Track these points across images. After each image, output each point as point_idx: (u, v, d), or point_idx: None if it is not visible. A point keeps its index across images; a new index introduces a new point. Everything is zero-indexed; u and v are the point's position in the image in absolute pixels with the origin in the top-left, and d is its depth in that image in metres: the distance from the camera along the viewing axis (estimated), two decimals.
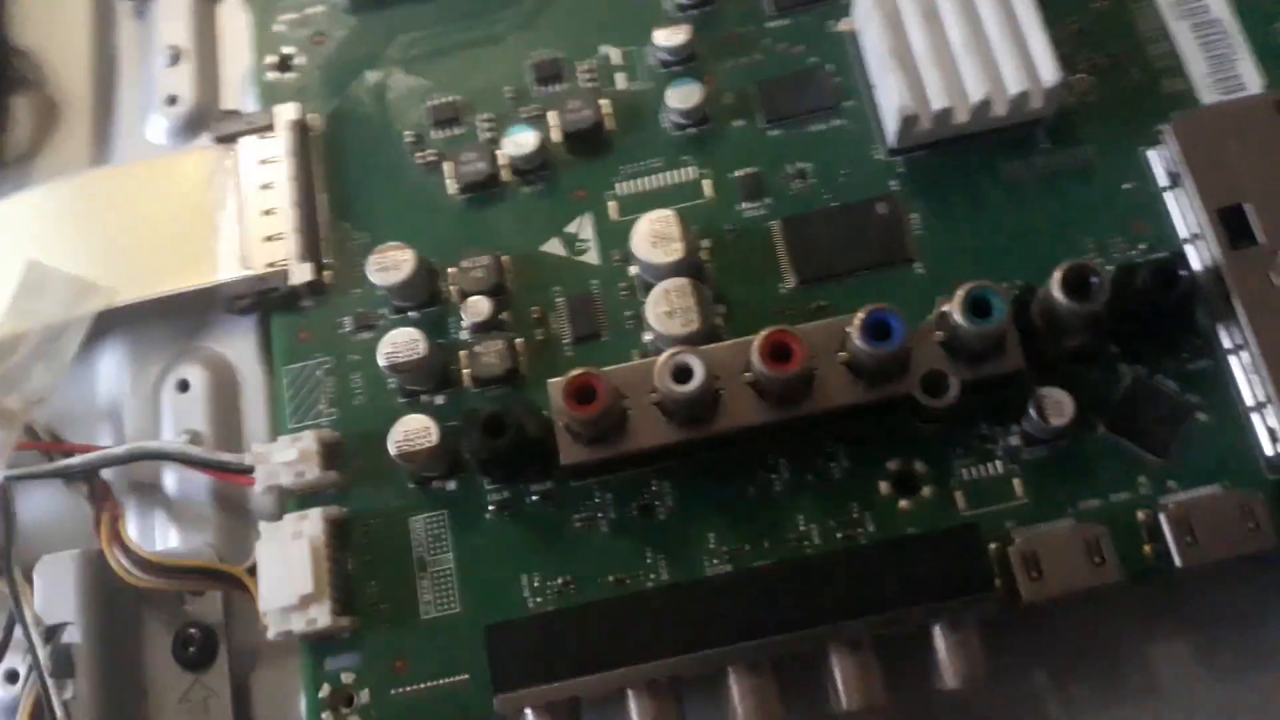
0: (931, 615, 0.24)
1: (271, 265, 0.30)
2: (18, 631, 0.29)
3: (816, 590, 0.25)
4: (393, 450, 0.27)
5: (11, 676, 0.30)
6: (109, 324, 0.31)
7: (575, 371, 0.26)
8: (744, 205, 0.30)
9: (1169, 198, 0.29)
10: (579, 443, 0.27)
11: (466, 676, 0.27)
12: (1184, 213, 0.28)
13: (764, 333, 0.25)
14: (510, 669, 0.25)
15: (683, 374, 0.25)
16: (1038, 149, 0.30)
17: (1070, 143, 0.30)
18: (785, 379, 0.25)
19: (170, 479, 0.30)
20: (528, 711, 0.25)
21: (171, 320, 0.32)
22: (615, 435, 0.27)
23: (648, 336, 0.29)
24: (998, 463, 0.27)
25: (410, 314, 0.30)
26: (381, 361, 0.28)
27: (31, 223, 0.33)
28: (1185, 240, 0.28)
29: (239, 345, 0.32)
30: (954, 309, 0.25)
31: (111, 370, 0.32)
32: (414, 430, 0.27)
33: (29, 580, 0.28)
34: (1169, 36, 0.30)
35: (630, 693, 0.25)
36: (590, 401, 0.25)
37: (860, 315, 0.25)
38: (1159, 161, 0.29)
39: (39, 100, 0.36)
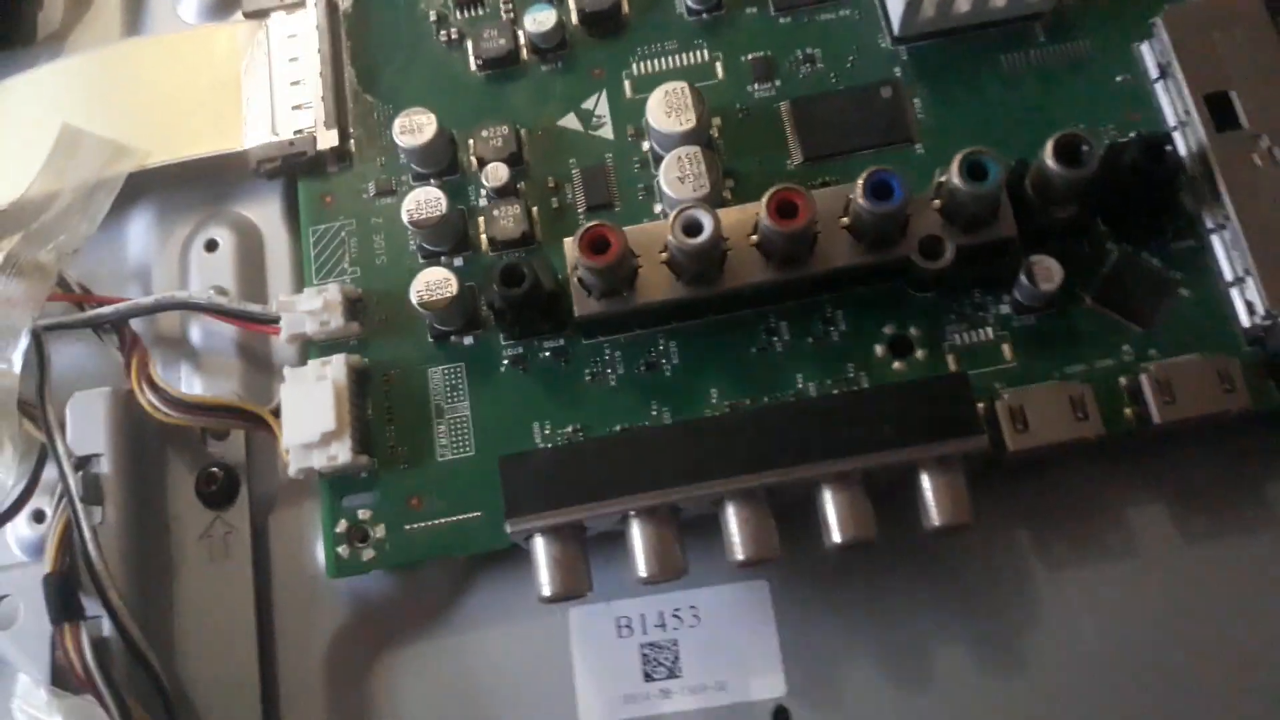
0: (920, 456, 0.26)
1: (299, 132, 0.32)
2: (47, 473, 0.31)
3: (811, 430, 0.26)
4: (414, 299, 0.28)
5: (38, 516, 0.31)
6: (139, 187, 0.33)
7: (591, 223, 0.27)
8: (754, 87, 0.31)
9: (1159, 89, 0.30)
10: (592, 296, 0.28)
11: (479, 513, 0.28)
12: (1173, 101, 0.30)
13: (772, 190, 0.27)
14: (521, 496, 0.26)
15: (694, 228, 0.27)
16: (1036, 42, 0.31)
17: (1067, 37, 0.31)
18: (791, 234, 0.27)
19: (196, 331, 0.32)
20: (537, 537, 0.26)
21: (200, 184, 0.33)
22: (626, 291, 0.28)
23: (658, 207, 0.30)
24: (989, 329, 0.29)
25: (431, 181, 0.31)
26: (404, 218, 0.29)
27: (67, 90, 0.34)
28: (1173, 127, 0.30)
29: (264, 209, 0.33)
30: (951, 173, 0.27)
31: (141, 231, 0.33)
32: (435, 281, 0.28)
33: (60, 420, 0.29)
34: None
35: (632, 518, 0.26)
36: (605, 251, 0.27)
37: (864, 175, 0.27)
38: (1150, 55, 0.30)
39: None
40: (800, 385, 0.28)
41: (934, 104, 0.31)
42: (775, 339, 0.29)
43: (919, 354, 0.28)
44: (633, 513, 0.26)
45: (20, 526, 0.31)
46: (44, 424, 0.29)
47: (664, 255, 0.28)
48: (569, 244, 0.28)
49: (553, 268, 0.29)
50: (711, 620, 0.28)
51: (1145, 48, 0.30)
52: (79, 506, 0.28)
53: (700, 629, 0.28)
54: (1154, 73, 0.30)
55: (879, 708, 0.27)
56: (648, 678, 0.28)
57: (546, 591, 0.26)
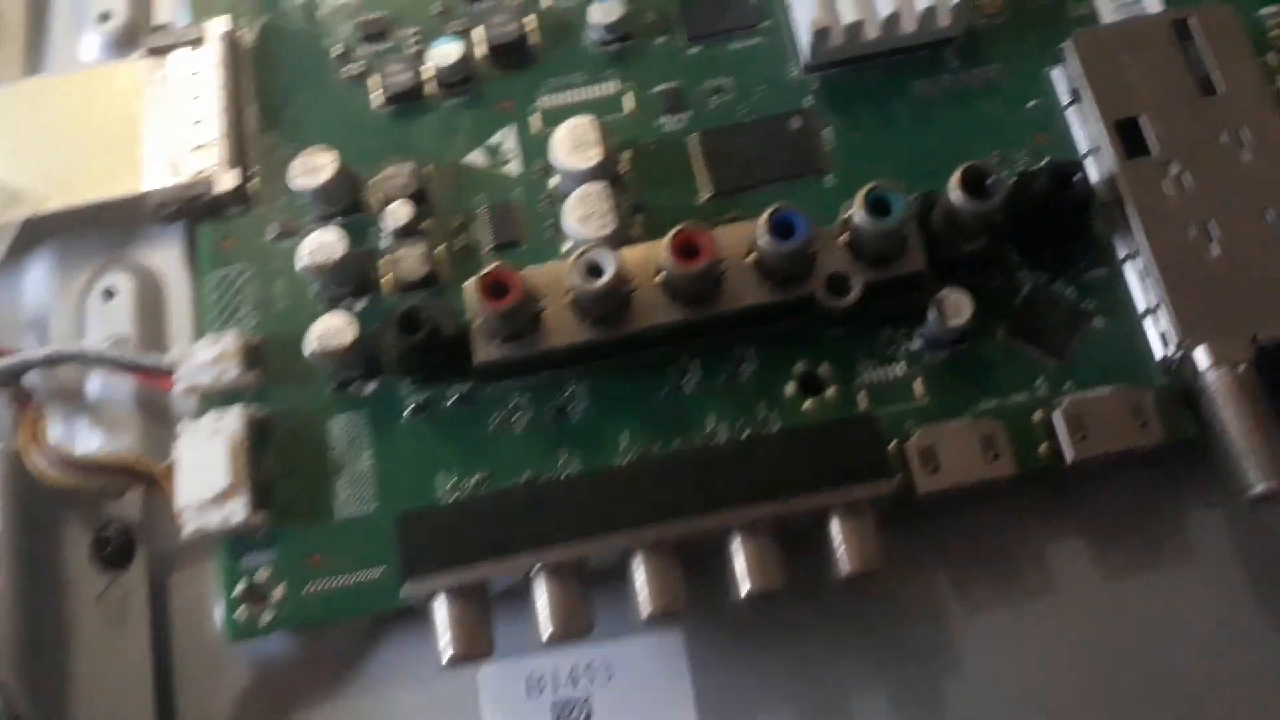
0: (830, 502, 0.25)
1: (199, 173, 0.31)
2: None
3: (718, 477, 0.25)
4: (310, 348, 0.27)
5: None
6: (36, 233, 0.31)
7: (488, 267, 0.26)
8: (664, 119, 0.31)
9: (1070, 114, 0.30)
10: (493, 341, 0.27)
11: (382, 569, 0.27)
12: (1084, 126, 0.29)
13: (674, 230, 0.26)
14: (418, 555, 0.25)
15: (595, 270, 0.26)
16: (947, 68, 0.31)
17: (978, 62, 0.31)
18: (694, 274, 0.26)
19: (94, 385, 0.30)
20: (439, 597, 0.25)
21: (99, 230, 0.32)
22: (530, 335, 0.27)
23: (566, 245, 0.30)
24: (900, 365, 0.28)
25: (335, 221, 0.30)
26: (301, 262, 0.28)
27: None
28: (1084, 154, 0.29)
29: (164, 254, 0.32)
30: (855, 208, 0.26)
31: (38, 280, 0.32)
32: (331, 328, 0.28)
33: None
34: None
35: (535, 575, 0.25)
36: (503, 295, 0.26)
37: (766, 214, 0.26)
38: (1061, 79, 0.30)
39: None
40: (711, 427, 0.28)
41: (844, 133, 0.30)
42: (686, 380, 0.28)
43: (830, 391, 0.28)
44: (537, 569, 0.25)
45: None
46: None
47: (568, 295, 0.27)
48: (468, 287, 0.27)
49: (455, 311, 0.28)
50: (625, 674, 0.28)
51: (1057, 72, 0.30)
52: None
53: (613, 684, 0.28)
54: (1065, 98, 0.30)
55: None
56: None
57: (446, 654, 0.25)
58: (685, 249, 0.26)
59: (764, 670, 0.27)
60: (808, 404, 0.28)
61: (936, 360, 0.28)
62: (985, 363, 0.28)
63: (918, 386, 0.28)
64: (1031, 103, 0.30)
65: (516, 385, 0.28)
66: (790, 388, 0.28)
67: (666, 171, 0.30)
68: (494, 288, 0.26)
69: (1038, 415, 0.27)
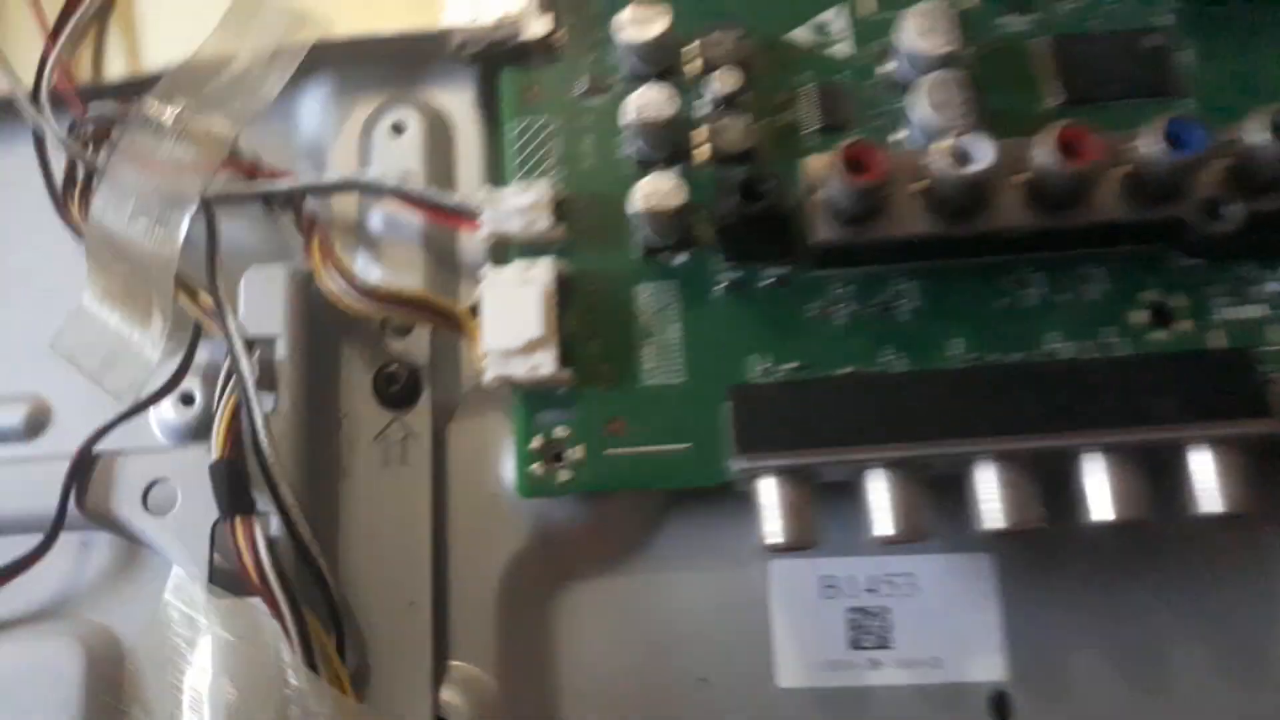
0: (1204, 435, 0.23)
1: (505, 15, 0.29)
2: (200, 355, 0.28)
3: (1083, 394, 0.24)
4: (638, 205, 0.26)
5: (186, 399, 0.29)
6: (316, 59, 0.30)
7: (852, 139, 0.24)
8: (1009, 18, 0.28)
9: None
10: (834, 222, 0.26)
11: (688, 445, 0.26)
12: None
13: (1059, 124, 0.24)
14: (753, 432, 0.24)
15: (969, 155, 0.24)
16: None
17: None
18: (1073, 175, 0.24)
19: (375, 218, 0.29)
20: (766, 478, 0.24)
21: (385, 62, 0.30)
22: (872, 221, 0.26)
23: (900, 134, 0.28)
24: (1260, 305, 0.26)
25: (646, 82, 0.28)
26: (628, 117, 0.27)
27: None
28: None
29: (455, 96, 0.30)
30: (1255, 128, 0.24)
31: (315, 107, 0.31)
32: (660, 189, 0.26)
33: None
34: None
35: (875, 470, 0.23)
36: (864, 171, 0.24)
37: (1161, 120, 0.24)
38: None
39: None
40: (1051, 345, 0.26)
41: (1207, 58, 0.28)
42: (1027, 291, 0.26)
43: (1182, 325, 0.26)
44: (878, 465, 0.24)
45: (164, 408, 0.28)
46: (214, 298, 0.26)
47: (919, 185, 0.25)
48: (815, 161, 0.25)
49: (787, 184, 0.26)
50: (928, 591, 0.26)
51: None
52: (252, 391, 0.25)
53: (915, 599, 0.26)
54: None
55: (1108, 706, 0.25)
56: (855, 645, 0.26)
57: (774, 540, 0.23)
58: (1070, 146, 0.24)
59: (1077, 606, 0.26)
60: (1157, 335, 0.26)
61: None
62: None
63: (1274, 331, 0.26)
64: None
65: (838, 275, 0.27)
66: (1140, 315, 0.26)
67: (1013, 72, 0.28)
68: (855, 162, 0.24)
69: None
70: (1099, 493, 0.23)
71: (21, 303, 0.31)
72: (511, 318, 0.26)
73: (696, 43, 0.28)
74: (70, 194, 0.30)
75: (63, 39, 0.31)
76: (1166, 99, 0.28)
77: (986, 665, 0.25)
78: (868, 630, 0.26)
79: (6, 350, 0.30)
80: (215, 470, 0.25)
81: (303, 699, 0.23)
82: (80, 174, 0.30)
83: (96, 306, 0.29)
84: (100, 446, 0.27)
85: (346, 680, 0.24)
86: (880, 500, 0.23)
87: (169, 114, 0.29)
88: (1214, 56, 0.28)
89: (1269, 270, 0.26)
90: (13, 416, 0.30)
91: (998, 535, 0.24)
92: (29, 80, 0.31)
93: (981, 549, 0.26)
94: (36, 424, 0.30)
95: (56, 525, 0.26)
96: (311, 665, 0.23)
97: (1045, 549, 0.26)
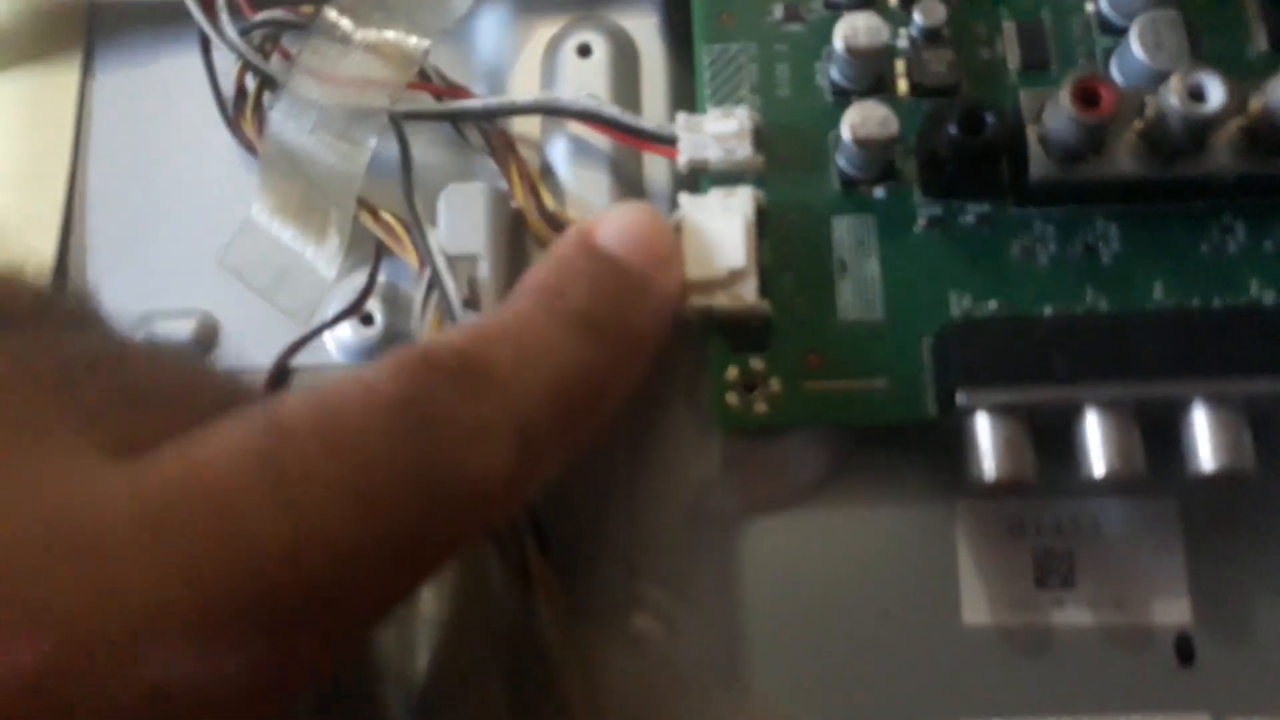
0: None
1: None
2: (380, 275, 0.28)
3: None
4: (850, 134, 0.25)
5: (366, 320, 0.29)
6: None
7: (1082, 72, 0.24)
8: None
9: None
10: (1050, 158, 0.25)
11: (887, 381, 0.25)
12: None
13: None
14: (974, 366, 0.24)
15: (1200, 93, 0.24)
16: None
17: None
18: None
19: (560, 143, 0.29)
20: (983, 414, 0.24)
21: None
22: (1090, 158, 0.25)
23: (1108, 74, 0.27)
24: None
25: (842, 10, 0.28)
26: (839, 44, 0.26)
27: None
28: None
29: (641, 20, 0.29)
30: None
31: (492, 27, 0.30)
32: (874, 116, 0.25)
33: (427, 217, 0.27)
34: None
35: (1094, 408, 0.23)
36: (1097, 104, 0.24)
37: None
38: None
39: None
40: (1255, 291, 0.26)
41: None
42: (1229, 238, 0.26)
43: None
44: (1095, 403, 0.24)
45: (343, 328, 0.28)
46: (413, 215, 0.26)
47: (1138, 125, 0.25)
48: (1032, 96, 0.25)
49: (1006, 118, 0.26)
50: (1112, 535, 0.26)
51: None
52: (459, 310, 0.25)
53: (1099, 543, 0.26)
54: None
55: None
56: (1039, 584, 0.26)
57: (993, 476, 0.23)
58: None
59: (1265, 555, 0.26)
60: None
61: None
62: None
63: None
64: None
65: (1041, 213, 0.26)
66: None
67: (1216, 18, 0.27)
68: (1088, 94, 0.24)
69: None
70: None
71: (187, 217, 0.31)
72: (712, 247, 0.25)
73: None
74: (242, 106, 0.30)
75: None
76: None
77: (1171, 609, 0.26)
78: (1052, 570, 0.26)
79: (173, 265, 0.30)
80: None
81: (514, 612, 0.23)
82: (251, 85, 0.30)
83: (269, 221, 0.29)
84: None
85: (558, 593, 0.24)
86: (1099, 439, 0.23)
87: (353, 23, 0.29)
88: None
89: None
90: (181, 333, 0.30)
91: (1195, 481, 0.24)
92: None
93: (1167, 494, 0.26)
94: (206, 342, 0.30)
95: None
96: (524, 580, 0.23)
97: (1230, 497, 0.26)
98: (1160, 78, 0.25)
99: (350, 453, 0.18)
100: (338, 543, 0.17)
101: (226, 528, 0.16)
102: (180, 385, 0.20)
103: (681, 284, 0.25)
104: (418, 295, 0.26)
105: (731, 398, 0.26)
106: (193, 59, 0.30)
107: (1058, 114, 0.24)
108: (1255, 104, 0.25)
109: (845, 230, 0.27)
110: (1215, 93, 0.24)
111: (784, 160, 0.27)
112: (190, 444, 0.17)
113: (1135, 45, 0.26)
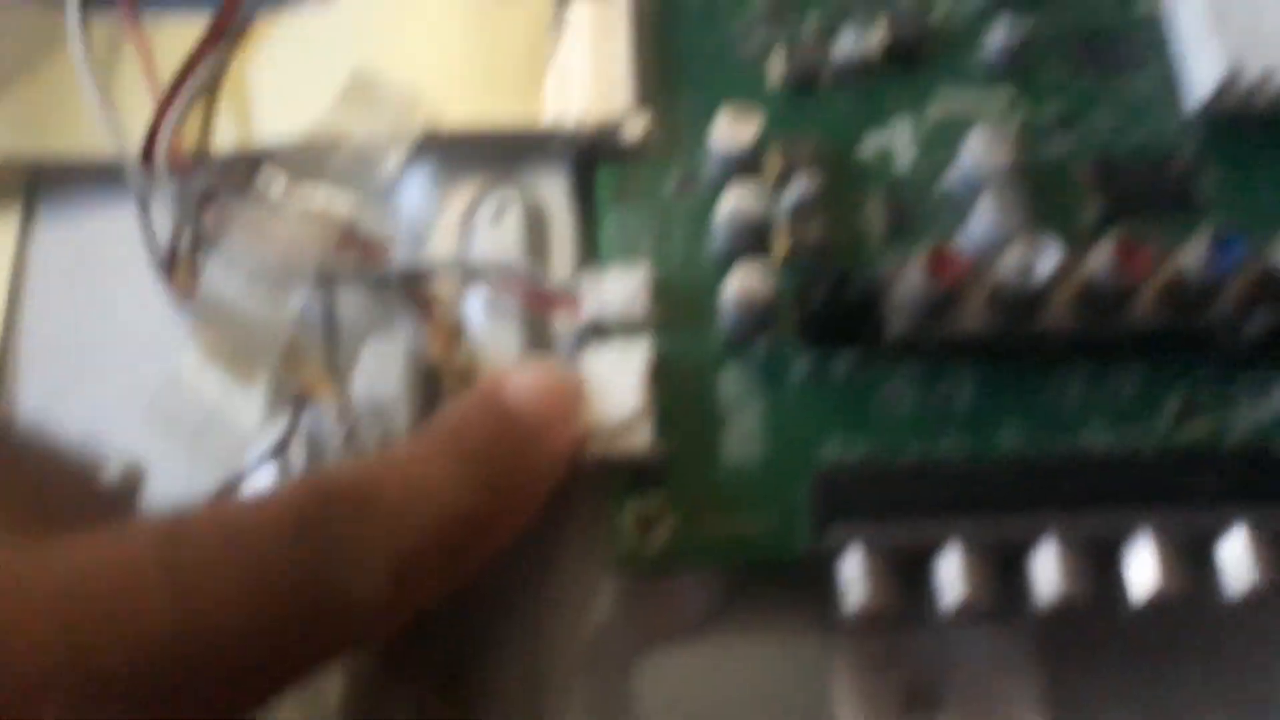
0: (1252, 516, 0.26)
1: (603, 116, 0.32)
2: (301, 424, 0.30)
3: (1138, 479, 0.26)
4: (731, 295, 0.28)
5: (288, 469, 0.30)
6: (422, 146, 0.32)
7: (933, 245, 0.27)
8: (1054, 138, 0.32)
9: None
10: (907, 318, 0.28)
11: (768, 521, 0.28)
12: None
13: (1116, 235, 0.27)
14: (839, 505, 0.26)
15: (1035, 261, 0.27)
16: None
17: None
18: (1126, 282, 0.27)
19: (474, 301, 0.31)
20: (852, 549, 0.26)
21: (485, 150, 0.33)
22: (942, 318, 0.28)
23: (961, 239, 0.31)
24: (1276, 405, 0.29)
25: (730, 182, 0.31)
26: (721, 214, 0.29)
27: (348, 33, 0.33)
28: None
29: (552, 186, 0.32)
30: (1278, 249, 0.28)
31: (415, 191, 0.33)
32: (752, 279, 0.28)
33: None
34: None
35: (953, 543, 0.26)
36: (947, 272, 0.27)
37: (1202, 236, 0.27)
38: None
39: None
40: (1094, 438, 0.29)
41: (1230, 181, 0.31)
42: (1070, 387, 0.29)
43: (1209, 421, 0.29)
44: (954, 538, 0.26)
45: (264, 477, 0.30)
46: (333, 373, 0.28)
47: (986, 288, 0.28)
48: (892, 261, 0.28)
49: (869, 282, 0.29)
50: (977, 663, 0.28)
51: None
52: None
53: (964, 671, 0.28)
54: None
55: None
56: (908, 712, 0.28)
57: (858, 609, 0.26)
58: (1126, 257, 0.27)
59: (1116, 677, 0.28)
60: (1188, 430, 0.29)
61: None
62: None
63: None
64: None
65: (905, 364, 0.29)
66: (1172, 412, 0.29)
67: (1054, 186, 0.31)
68: (937, 265, 0.27)
69: None
70: (1141, 572, 0.26)
71: (120, 367, 0.32)
72: (610, 395, 0.28)
73: (776, 147, 0.31)
74: (174, 261, 0.32)
75: (173, 109, 0.33)
76: (1193, 218, 0.31)
77: None
78: (920, 700, 0.28)
79: (103, 414, 0.31)
80: None
81: None
82: (185, 242, 0.32)
83: (196, 372, 0.31)
84: None
85: None
86: (955, 572, 0.26)
87: (284, 189, 0.31)
88: (1237, 181, 0.31)
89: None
90: (106, 479, 0.31)
91: (1047, 612, 0.26)
92: (137, 145, 0.33)
93: (1028, 623, 0.28)
94: (132, 487, 0.31)
95: None
96: None
97: (1088, 626, 0.28)
98: (1006, 243, 0.28)
99: (242, 553, 0.20)
100: (221, 632, 0.19)
101: (119, 605, 0.18)
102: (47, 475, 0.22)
103: (580, 440, 0.27)
104: (336, 446, 0.28)
105: (629, 538, 0.28)
106: (131, 215, 0.33)
107: (912, 280, 0.27)
108: (1086, 268, 0.28)
109: (731, 380, 0.29)
110: (1049, 260, 0.27)
111: (676, 315, 0.30)
112: (95, 534, 0.19)
113: (981, 215, 0.30)
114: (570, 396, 0.26)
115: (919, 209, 0.31)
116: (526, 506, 0.25)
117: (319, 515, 0.21)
